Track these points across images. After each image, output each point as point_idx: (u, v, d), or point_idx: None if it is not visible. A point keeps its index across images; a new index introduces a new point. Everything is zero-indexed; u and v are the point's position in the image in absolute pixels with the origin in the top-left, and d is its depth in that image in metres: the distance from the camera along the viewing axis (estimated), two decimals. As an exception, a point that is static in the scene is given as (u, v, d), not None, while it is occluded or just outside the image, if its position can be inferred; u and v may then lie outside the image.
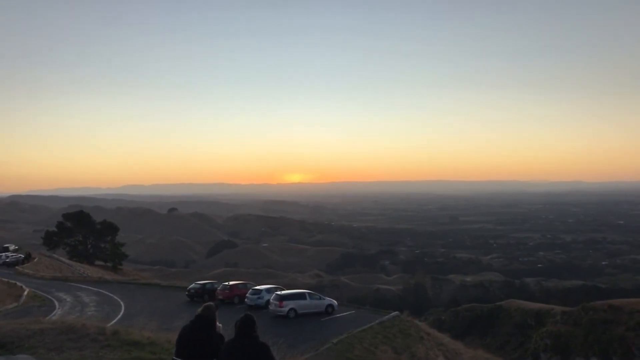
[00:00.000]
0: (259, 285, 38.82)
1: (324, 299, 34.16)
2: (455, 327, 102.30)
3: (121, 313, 32.96)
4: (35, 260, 72.06)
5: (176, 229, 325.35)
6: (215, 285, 40.89)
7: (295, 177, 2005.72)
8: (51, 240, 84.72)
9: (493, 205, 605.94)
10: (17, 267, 65.84)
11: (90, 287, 48.11)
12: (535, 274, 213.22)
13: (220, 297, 37.72)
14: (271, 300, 32.65)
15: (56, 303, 37.35)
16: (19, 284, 46.63)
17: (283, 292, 34.03)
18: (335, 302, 34.72)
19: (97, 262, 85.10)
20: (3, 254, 76.09)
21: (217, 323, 7.91)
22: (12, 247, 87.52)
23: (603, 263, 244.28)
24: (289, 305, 31.70)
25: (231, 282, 40.14)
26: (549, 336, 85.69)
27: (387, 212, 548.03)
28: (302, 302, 32.53)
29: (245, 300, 35.81)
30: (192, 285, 41.54)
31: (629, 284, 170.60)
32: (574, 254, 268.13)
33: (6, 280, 48.96)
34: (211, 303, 8.22)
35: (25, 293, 40.75)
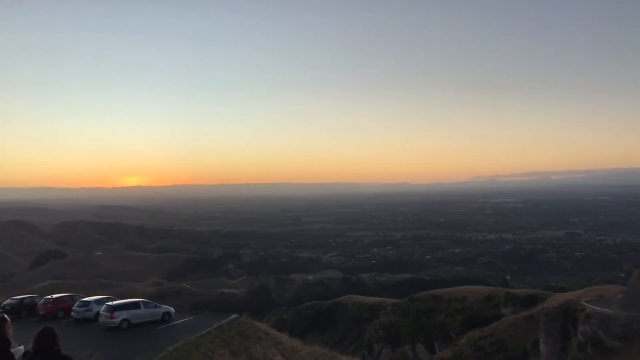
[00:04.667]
0: (89, 297, 36.00)
1: (160, 307, 33.03)
2: (297, 325, 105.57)
3: None
4: None
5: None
6: (36, 300, 36.98)
7: (132, 180, 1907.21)
8: None
9: (331, 206, 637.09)
10: None
11: None
12: (370, 269, 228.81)
13: (41, 312, 34.38)
14: (101, 312, 30.66)
15: None
16: None
17: (114, 302, 32.05)
18: (172, 309, 33.79)
19: None
20: None
21: (13, 341, 7.23)
22: None
23: (427, 257, 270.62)
24: (121, 315, 30.09)
25: (55, 295, 36.65)
26: (382, 327, 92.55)
27: (231, 215, 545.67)
28: (135, 311, 31.06)
29: (72, 313, 33.09)
30: (8, 301, 37.10)
31: (448, 275, 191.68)
32: (403, 249, 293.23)
33: None
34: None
35: None
